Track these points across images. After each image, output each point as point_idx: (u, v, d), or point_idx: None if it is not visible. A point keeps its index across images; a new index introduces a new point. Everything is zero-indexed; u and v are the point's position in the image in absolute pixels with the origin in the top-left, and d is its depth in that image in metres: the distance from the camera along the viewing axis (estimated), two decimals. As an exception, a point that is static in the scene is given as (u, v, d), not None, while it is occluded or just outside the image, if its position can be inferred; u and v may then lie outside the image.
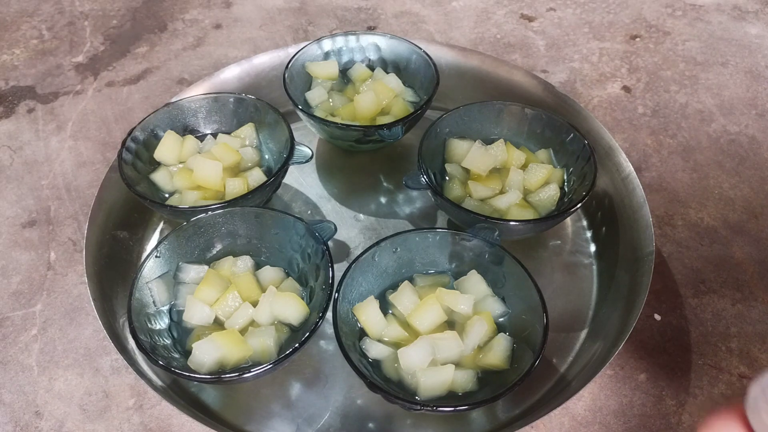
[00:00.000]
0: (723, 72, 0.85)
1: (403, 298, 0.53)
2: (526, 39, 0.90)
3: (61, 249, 0.65)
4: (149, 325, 0.51)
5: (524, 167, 0.63)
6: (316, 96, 0.70)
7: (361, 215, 0.67)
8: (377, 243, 0.53)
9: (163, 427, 0.52)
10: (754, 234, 0.65)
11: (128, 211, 0.65)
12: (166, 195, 0.64)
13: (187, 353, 0.50)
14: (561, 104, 0.70)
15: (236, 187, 0.61)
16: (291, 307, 0.52)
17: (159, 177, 0.64)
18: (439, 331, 0.51)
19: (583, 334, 0.57)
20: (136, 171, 0.62)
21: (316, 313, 0.49)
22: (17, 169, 0.74)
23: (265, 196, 0.62)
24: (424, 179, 0.58)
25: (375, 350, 0.51)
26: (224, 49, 0.90)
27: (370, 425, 0.52)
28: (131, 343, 0.52)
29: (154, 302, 0.53)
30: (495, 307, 0.53)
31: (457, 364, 0.50)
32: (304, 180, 0.70)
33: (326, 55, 0.73)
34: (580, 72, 0.85)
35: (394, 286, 0.55)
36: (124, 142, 0.62)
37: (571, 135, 0.62)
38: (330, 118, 0.67)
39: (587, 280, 0.61)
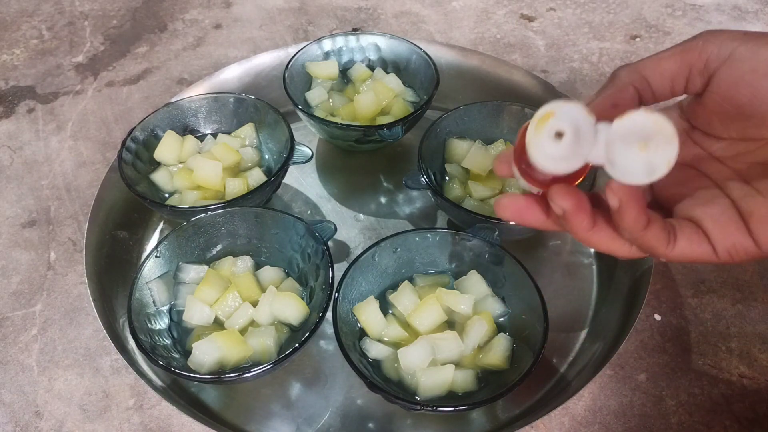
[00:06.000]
0: (723, 72, 0.84)
1: (403, 298, 0.53)
2: (526, 39, 0.90)
3: (61, 249, 0.65)
4: (149, 325, 0.51)
5: (524, 167, 0.63)
6: (316, 96, 0.70)
7: (361, 215, 0.67)
8: (377, 243, 0.53)
9: (163, 427, 0.52)
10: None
11: (128, 211, 0.65)
12: (166, 195, 0.64)
13: (187, 353, 0.50)
14: (561, 104, 0.70)
15: (236, 187, 0.61)
16: (291, 307, 0.52)
17: (159, 177, 0.64)
18: (439, 331, 0.51)
19: (583, 334, 0.57)
20: (136, 171, 0.62)
21: (316, 313, 0.49)
22: (17, 169, 0.74)
23: (265, 196, 0.62)
24: (424, 179, 0.58)
25: (375, 350, 0.51)
26: (224, 49, 0.90)
27: (370, 425, 0.52)
28: (131, 343, 0.52)
29: (154, 302, 0.53)
30: (495, 307, 0.53)
31: (457, 364, 0.50)
32: (304, 180, 0.70)
33: (326, 55, 0.73)
34: (580, 72, 0.85)
35: (394, 286, 0.55)
36: (124, 142, 0.62)
37: (571, 135, 0.62)
38: (330, 118, 0.67)
39: (587, 280, 0.61)
